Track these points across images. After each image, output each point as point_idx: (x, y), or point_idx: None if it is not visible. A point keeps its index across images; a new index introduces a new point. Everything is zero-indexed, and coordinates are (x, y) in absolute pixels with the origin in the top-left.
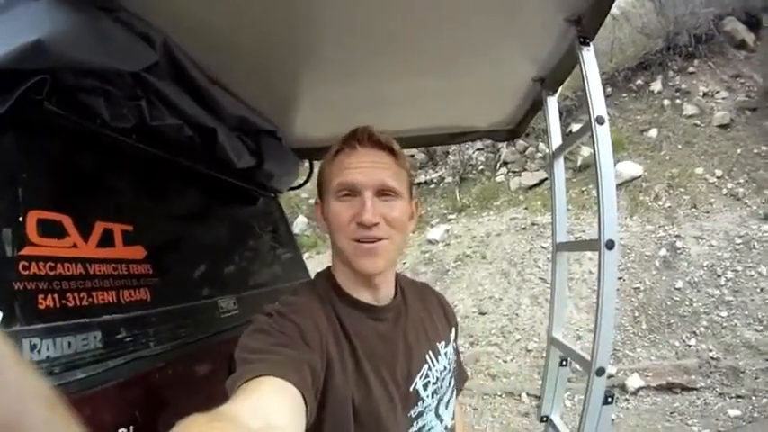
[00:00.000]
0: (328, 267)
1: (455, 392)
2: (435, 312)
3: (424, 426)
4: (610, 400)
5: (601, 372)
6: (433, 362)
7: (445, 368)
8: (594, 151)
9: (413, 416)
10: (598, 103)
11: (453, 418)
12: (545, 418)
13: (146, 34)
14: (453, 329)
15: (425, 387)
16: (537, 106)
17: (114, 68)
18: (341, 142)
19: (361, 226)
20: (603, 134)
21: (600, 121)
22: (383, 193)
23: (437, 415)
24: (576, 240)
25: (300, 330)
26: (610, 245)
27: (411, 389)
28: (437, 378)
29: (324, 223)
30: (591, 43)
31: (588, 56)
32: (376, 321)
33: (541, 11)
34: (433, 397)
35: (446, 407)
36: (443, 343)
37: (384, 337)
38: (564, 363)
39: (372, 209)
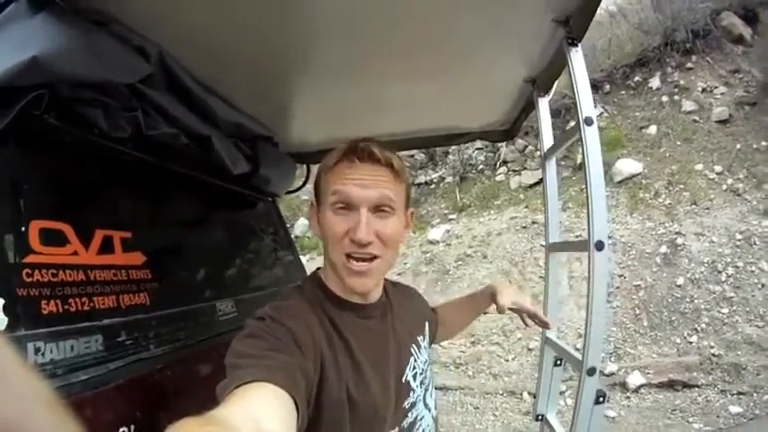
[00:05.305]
0: (315, 271)
1: (432, 383)
2: (413, 307)
3: (417, 416)
4: (602, 399)
5: (592, 371)
6: (417, 353)
7: (426, 360)
8: (583, 152)
9: (407, 407)
10: (587, 104)
11: (436, 408)
12: (540, 417)
13: (140, 46)
14: (427, 322)
15: (414, 378)
16: (530, 107)
17: (110, 81)
18: (341, 153)
19: (354, 242)
20: (592, 135)
21: (588, 122)
22: (379, 209)
23: (425, 404)
24: (567, 241)
25: (293, 334)
26: (599, 246)
27: (403, 380)
28: (422, 369)
29: (317, 227)
30: (579, 44)
31: (576, 57)
32: (366, 319)
33: (530, 12)
34: (421, 387)
35: (430, 395)
36: (422, 336)
37: (375, 333)
38: (558, 363)
39: (367, 227)
